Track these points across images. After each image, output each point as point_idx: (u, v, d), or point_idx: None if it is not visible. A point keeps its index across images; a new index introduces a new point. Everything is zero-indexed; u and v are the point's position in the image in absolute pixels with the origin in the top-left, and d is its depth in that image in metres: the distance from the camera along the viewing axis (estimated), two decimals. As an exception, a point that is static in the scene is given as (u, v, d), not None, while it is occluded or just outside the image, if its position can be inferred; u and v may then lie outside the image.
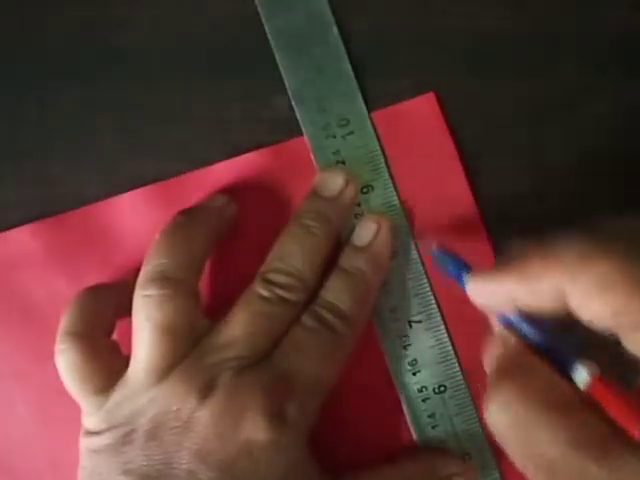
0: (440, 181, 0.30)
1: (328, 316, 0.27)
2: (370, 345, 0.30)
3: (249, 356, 0.26)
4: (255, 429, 0.25)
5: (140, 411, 0.26)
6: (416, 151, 0.30)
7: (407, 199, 0.30)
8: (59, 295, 0.30)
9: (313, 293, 0.28)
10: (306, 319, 0.27)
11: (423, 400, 0.30)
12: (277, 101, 0.30)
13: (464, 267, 0.26)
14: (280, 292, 0.27)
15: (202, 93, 0.31)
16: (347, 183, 0.29)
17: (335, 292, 0.28)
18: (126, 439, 0.26)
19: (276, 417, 0.25)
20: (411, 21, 0.31)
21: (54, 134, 0.31)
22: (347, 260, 0.29)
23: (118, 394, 0.27)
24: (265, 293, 0.27)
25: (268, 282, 0.27)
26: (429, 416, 0.29)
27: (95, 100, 0.31)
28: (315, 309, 0.28)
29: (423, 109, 0.30)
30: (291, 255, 0.28)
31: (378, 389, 0.30)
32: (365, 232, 0.29)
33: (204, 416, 0.25)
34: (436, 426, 0.29)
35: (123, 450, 0.26)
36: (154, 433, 0.25)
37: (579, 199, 0.30)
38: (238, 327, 0.27)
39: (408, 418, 0.30)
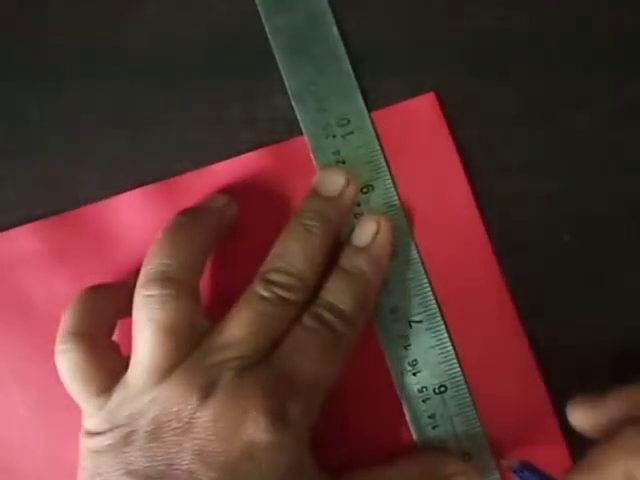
0: (440, 181, 0.30)
1: (328, 316, 0.27)
2: (370, 345, 0.30)
3: (250, 356, 0.26)
4: (257, 430, 0.25)
5: (141, 412, 0.26)
6: (416, 151, 0.30)
7: (407, 199, 0.30)
8: (59, 295, 0.30)
9: (313, 293, 0.28)
10: (306, 319, 0.27)
11: (423, 400, 0.29)
12: (277, 101, 0.30)
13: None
14: (280, 292, 0.27)
15: (202, 93, 0.31)
16: (347, 183, 0.29)
17: (335, 292, 0.28)
18: (127, 440, 0.26)
19: (278, 418, 0.25)
20: (411, 21, 0.31)
21: (54, 134, 0.31)
22: (347, 260, 0.29)
23: (119, 394, 0.26)
24: (265, 293, 0.27)
25: (268, 282, 0.27)
26: (429, 416, 0.29)
27: (95, 100, 0.31)
28: (315, 309, 0.27)
29: (423, 109, 0.30)
30: (291, 255, 0.28)
31: (378, 389, 0.30)
32: (365, 232, 0.29)
33: (205, 416, 0.25)
34: (436, 426, 0.29)
35: (124, 451, 0.26)
36: (155, 434, 0.25)
37: (579, 198, 0.30)
38: (238, 327, 0.27)
39: (408, 418, 0.30)
